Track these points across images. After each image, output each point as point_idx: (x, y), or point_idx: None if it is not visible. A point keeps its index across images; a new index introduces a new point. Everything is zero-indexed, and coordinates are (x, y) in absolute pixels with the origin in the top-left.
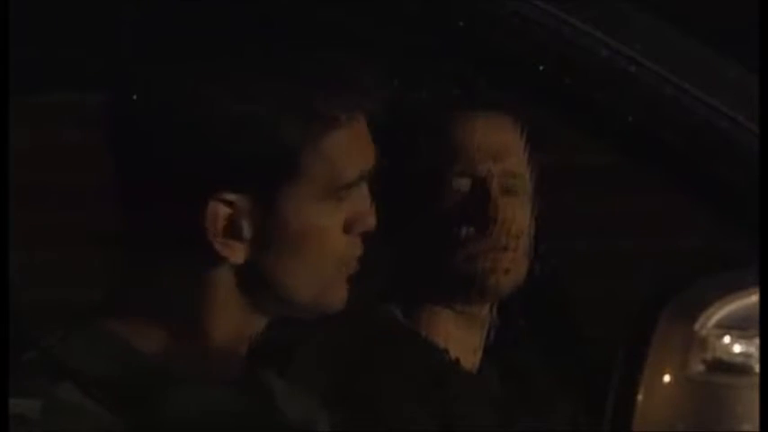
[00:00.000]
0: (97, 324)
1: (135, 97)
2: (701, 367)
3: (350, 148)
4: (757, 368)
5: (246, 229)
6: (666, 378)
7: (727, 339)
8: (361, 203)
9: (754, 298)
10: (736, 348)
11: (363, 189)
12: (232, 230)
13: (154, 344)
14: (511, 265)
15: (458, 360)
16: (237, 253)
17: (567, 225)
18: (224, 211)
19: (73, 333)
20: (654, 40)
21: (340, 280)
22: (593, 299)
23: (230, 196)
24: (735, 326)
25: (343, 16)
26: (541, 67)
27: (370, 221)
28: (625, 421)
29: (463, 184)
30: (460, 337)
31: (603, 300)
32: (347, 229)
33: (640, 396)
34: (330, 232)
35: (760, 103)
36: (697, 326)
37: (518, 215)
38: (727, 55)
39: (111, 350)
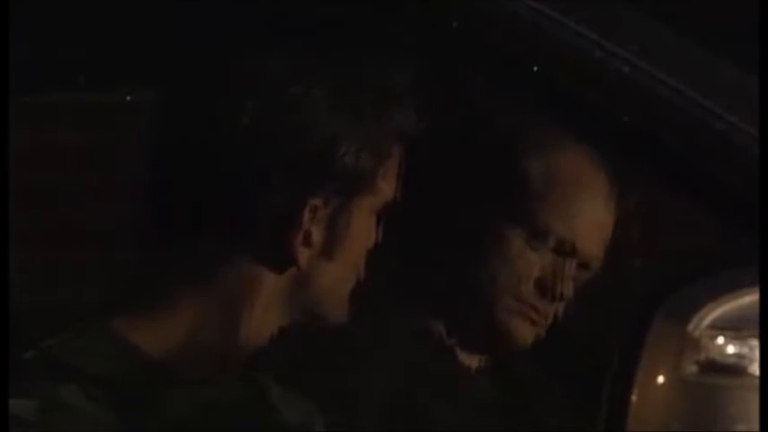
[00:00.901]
0: (100, 324)
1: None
2: (694, 368)
3: (398, 170)
4: (750, 369)
5: (317, 236)
6: (660, 379)
7: (720, 340)
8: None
9: (747, 299)
10: (730, 349)
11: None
12: (306, 236)
13: (157, 344)
14: (542, 321)
15: (458, 362)
16: (304, 259)
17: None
18: (310, 217)
19: (75, 333)
20: (648, 41)
21: (348, 294)
22: (585, 299)
23: (318, 202)
24: (728, 327)
25: (337, 17)
26: (536, 68)
27: (374, 239)
28: (619, 421)
29: (536, 255)
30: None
31: (597, 300)
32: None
33: (634, 396)
34: (366, 247)
35: (760, 104)
36: (690, 327)
37: (571, 289)
38: (721, 56)
39: (114, 350)
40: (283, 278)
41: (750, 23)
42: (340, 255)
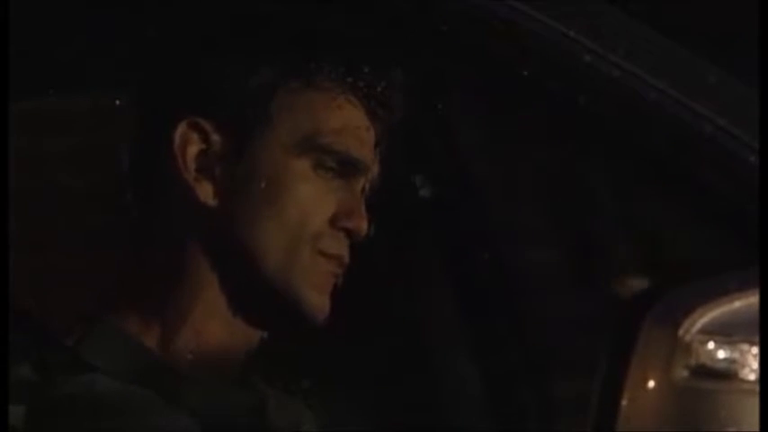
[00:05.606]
0: (110, 324)
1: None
2: (684, 373)
3: (330, 118)
4: (741, 374)
5: (218, 167)
6: (650, 383)
7: (711, 345)
8: (352, 201)
9: (737, 303)
10: (720, 354)
11: (355, 188)
12: (202, 164)
13: (165, 345)
14: None
15: None
16: (208, 191)
17: (548, 229)
18: (195, 138)
19: (89, 331)
20: (637, 45)
21: (321, 282)
22: (578, 302)
23: (201, 121)
24: (719, 331)
25: (325, 18)
26: (525, 72)
27: (359, 224)
28: (609, 426)
29: None
30: None
31: (587, 304)
32: (333, 219)
33: (624, 401)
34: (309, 204)
35: (760, 105)
36: (681, 331)
37: None
38: (710, 59)
39: (124, 350)
40: (204, 221)
41: (739, 26)
42: (267, 197)
